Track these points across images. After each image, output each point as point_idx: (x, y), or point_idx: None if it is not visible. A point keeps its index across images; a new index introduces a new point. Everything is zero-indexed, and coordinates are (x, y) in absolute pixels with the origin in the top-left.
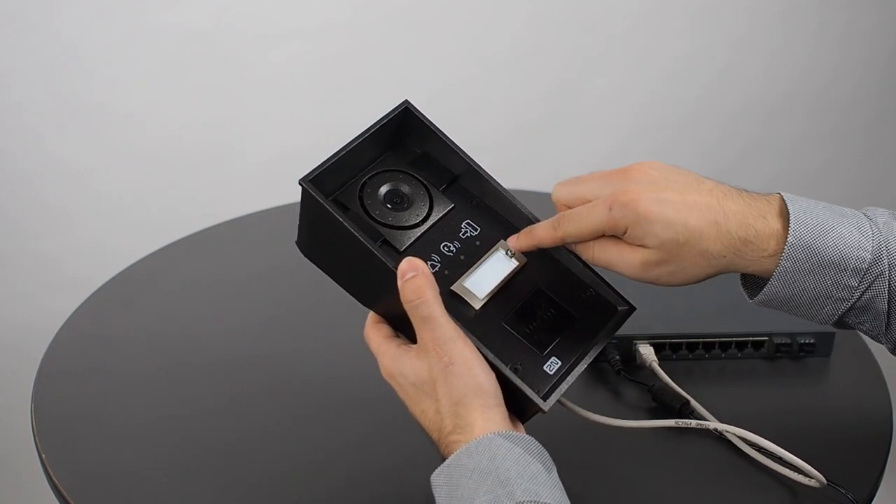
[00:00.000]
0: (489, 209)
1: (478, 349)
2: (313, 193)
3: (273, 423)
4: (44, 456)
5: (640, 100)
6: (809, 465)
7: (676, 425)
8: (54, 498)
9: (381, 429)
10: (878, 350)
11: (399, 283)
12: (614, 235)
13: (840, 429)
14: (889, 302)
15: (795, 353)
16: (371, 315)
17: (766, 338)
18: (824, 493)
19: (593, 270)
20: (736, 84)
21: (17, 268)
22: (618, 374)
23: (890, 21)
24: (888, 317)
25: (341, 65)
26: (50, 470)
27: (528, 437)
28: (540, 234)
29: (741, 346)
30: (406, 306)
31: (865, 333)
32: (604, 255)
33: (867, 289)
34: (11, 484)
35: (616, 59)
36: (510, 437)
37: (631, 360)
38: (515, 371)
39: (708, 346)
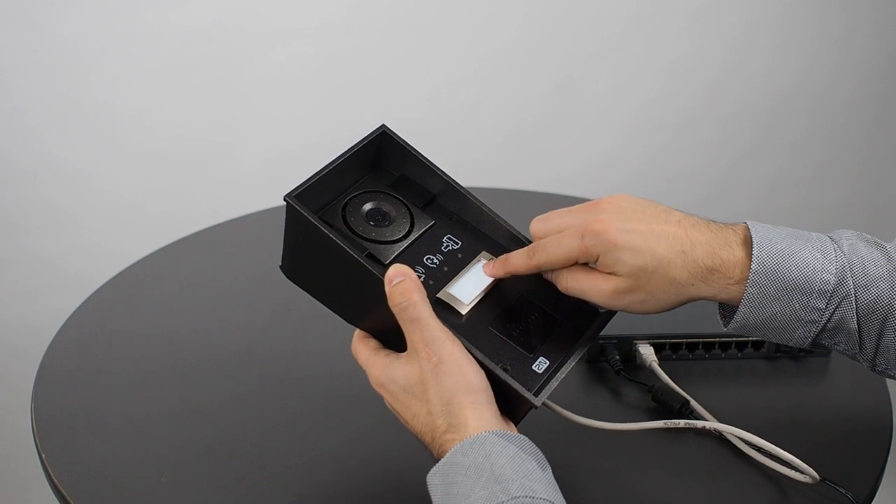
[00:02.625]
0: (469, 225)
1: (467, 350)
2: (298, 208)
3: (273, 422)
4: (44, 456)
5: (640, 100)
6: (806, 463)
7: (665, 426)
8: (54, 498)
9: (380, 428)
10: None
11: (387, 288)
12: (586, 264)
13: (840, 428)
14: (858, 321)
15: (795, 353)
16: (357, 332)
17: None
18: (825, 493)
19: None
20: (736, 84)
21: (18, 267)
22: (618, 374)
23: (890, 21)
24: (860, 336)
25: (341, 65)
26: (50, 470)
27: (522, 436)
28: (515, 261)
29: (741, 346)
30: (394, 310)
31: (842, 353)
32: (577, 284)
33: (835, 310)
34: (11, 484)
35: (616, 59)
36: (504, 435)
37: (631, 360)
38: (505, 371)
39: (708, 346)
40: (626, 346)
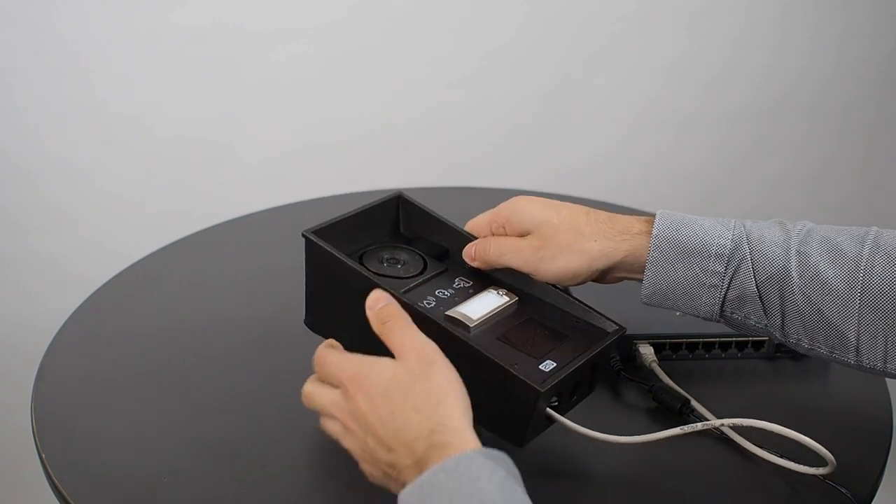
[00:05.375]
0: (481, 272)
1: (473, 347)
2: (314, 240)
3: (273, 423)
4: (44, 456)
5: (640, 100)
6: (806, 464)
7: (683, 432)
8: (54, 498)
9: None
10: None
11: (369, 313)
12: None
13: (840, 429)
14: (758, 286)
15: (795, 353)
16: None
17: (766, 338)
18: (825, 493)
19: (582, 302)
20: (736, 84)
21: (18, 267)
22: (618, 374)
23: (890, 21)
24: (762, 302)
25: (341, 65)
26: (50, 470)
27: (504, 455)
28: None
29: (741, 346)
30: (379, 329)
31: (756, 330)
32: (498, 249)
33: (735, 273)
34: (11, 484)
35: (616, 59)
36: (491, 455)
37: (631, 360)
38: (511, 367)
39: (708, 346)
40: (626, 346)
